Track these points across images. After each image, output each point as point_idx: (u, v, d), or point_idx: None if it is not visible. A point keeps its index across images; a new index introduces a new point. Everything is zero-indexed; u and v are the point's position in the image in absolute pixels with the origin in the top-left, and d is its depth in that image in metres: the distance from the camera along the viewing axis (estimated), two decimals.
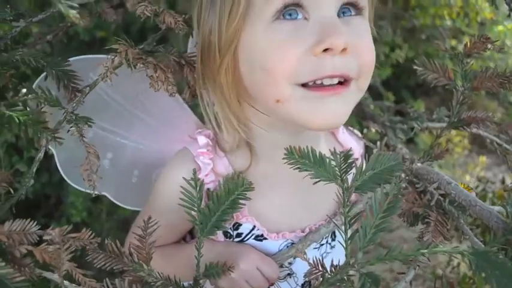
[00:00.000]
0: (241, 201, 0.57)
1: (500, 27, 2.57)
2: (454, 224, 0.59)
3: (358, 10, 0.58)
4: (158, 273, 0.52)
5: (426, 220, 0.59)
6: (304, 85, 0.56)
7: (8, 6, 0.60)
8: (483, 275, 0.43)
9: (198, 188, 0.54)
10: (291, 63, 0.55)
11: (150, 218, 0.53)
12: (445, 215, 0.59)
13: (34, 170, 0.58)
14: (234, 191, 0.56)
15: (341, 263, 0.52)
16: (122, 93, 0.71)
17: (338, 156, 0.50)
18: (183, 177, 0.56)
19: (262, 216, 0.68)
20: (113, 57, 0.58)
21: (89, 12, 0.80)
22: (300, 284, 0.73)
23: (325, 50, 0.54)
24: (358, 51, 0.56)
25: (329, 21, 0.55)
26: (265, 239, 0.68)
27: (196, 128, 0.75)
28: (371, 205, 0.48)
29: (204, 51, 0.61)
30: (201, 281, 0.54)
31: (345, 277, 0.49)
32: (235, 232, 0.68)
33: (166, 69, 0.59)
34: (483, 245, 0.54)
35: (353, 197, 0.73)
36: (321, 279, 0.51)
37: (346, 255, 0.49)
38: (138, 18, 1.57)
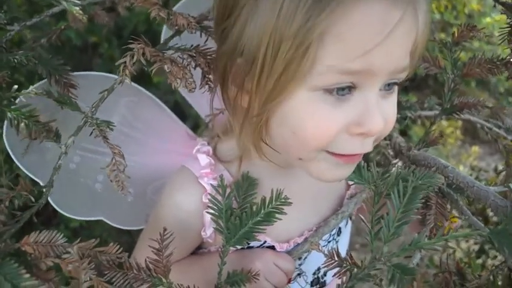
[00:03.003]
0: (276, 215, 0.55)
1: (488, 19, 2.60)
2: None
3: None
4: (178, 285, 0.51)
5: (427, 203, 0.61)
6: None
7: (3, 11, 0.61)
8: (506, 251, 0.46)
9: (226, 196, 0.55)
10: (327, 139, 0.54)
11: (165, 230, 0.52)
12: (443, 198, 0.61)
13: (53, 178, 0.58)
14: (269, 204, 0.54)
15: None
16: (104, 111, 0.66)
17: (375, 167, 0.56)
18: (209, 193, 0.57)
19: (274, 231, 0.65)
20: (128, 59, 0.57)
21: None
22: (309, 282, 0.75)
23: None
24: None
25: (371, 104, 0.53)
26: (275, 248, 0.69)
27: (188, 139, 0.74)
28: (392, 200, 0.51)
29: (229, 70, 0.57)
30: None
31: (372, 272, 0.51)
32: (246, 245, 0.67)
33: (183, 66, 0.59)
34: (482, 225, 0.56)
35: (352, 190, 0.75)
36: (349, 275, 0.52)
37: (371, 250, 0.51)
38: (130, 22, 1.57)
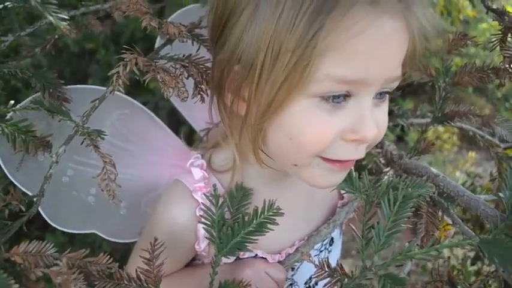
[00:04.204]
0: (269, 225, 0.55)
1: (484, 25, 2.61)
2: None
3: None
4: None
5: (418, 212, 0.61)
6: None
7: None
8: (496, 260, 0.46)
9: (219, 206, 0.55)
10: (324, 144, 0.55)
11: (156, 240, 0.52)
12: (434, 207, 0.61)
13: (44, 187, 0.57)
14: (262, 214, 0.55)
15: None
16: (96, 124, 0.65)
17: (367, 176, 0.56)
18: (203, 203, 0.57)
19: (266, 242, 0.63)
20: (123, 66, 0.57)
21: (75, 24, 0.81)
22: None
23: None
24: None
25: (365, 111, 0.54)
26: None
27: (182, 151, 0.73)
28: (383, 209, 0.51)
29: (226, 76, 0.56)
30: None
31: (363, 282, 0.51)
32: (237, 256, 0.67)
33: (176, 75, 0.58)
34: (473, 233, 0.56)
35: (345, 199, 0.75)
36: (340, 285, 0.52)
37: (362, 260, 0.51)
38: (127, 28, 1.56)
